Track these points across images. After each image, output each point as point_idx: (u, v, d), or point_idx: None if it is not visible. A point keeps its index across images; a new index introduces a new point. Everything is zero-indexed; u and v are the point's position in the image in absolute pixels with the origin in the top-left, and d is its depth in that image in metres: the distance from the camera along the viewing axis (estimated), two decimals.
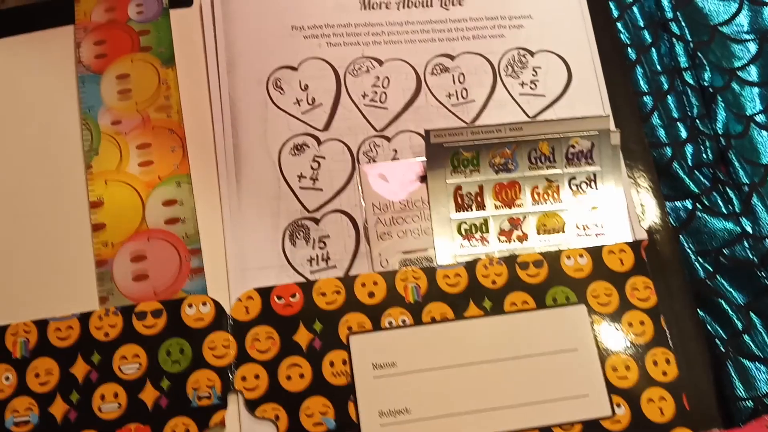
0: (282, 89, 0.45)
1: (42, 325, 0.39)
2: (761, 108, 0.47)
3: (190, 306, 0.39)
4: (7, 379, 0.38)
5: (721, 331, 0.42)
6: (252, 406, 0.38)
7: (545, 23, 0.48)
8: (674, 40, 0.49)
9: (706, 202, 0.45)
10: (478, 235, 0.43)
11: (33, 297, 0.40)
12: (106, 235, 0.41)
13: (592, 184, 0.44)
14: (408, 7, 0.48)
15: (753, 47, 0.49)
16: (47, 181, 0.43)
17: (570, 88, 0.46)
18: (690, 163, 0.46)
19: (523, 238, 0.43)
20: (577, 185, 0.44)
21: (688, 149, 0.47)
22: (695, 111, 0.48)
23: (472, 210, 0.43)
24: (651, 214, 0.44)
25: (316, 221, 0.43)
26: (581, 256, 0.42)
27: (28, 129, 0.44)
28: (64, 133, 0.43)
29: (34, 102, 0.44)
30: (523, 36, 0.47)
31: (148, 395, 0.38)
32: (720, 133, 0.47)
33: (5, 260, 0.41)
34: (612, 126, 0.45)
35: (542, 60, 0.47)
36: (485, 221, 0.43)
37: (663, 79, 0.48)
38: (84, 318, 0.39)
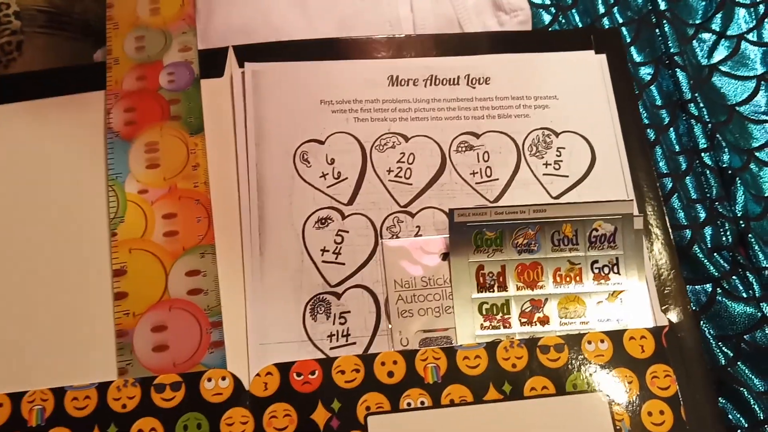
0: (309, 162, 0.45)
1: (59, 393, 0.39)
2: None
3: (209, 380, 0.39)
4: None
5: (742, 420, 0.42)
6: None
7: (570, 104, 0.48)
8: (692, 120, 0.50)
9: (726, 286, 0.45)
10: (499, 316, 0.43)
11: (51, 364, 0.40)
12: (128, 305, 0.41)
13: (615, 268, 0.44)
14: (435, 84, 0.48)
15: None
16: (71, 246, 0.43)
17: (593, 169, 0.47)
18: (709, 246, 0.46)
19: (544, 320, 0.43)
20: (599, 269, 0.44)
21: (707, 231, 0.47)
22: (714, 192, 0.48)
23: (494, 290, 0.43)
24: (672, 299, 0.44)
25: (338, 296, 0.43)
26: (602, 341, 0.42)
27: (53, 192, 0.44)
28: (89, 197, 0.44)
29: (60, 165, 0.45)
30: (548, 116, 0.48)
31: None
32: (739, 215, 0.47)
33: (25, 325, 0.41)
34: (635, 210, 0.45)
35: (566, 141, 0.47)
36: (507, 302, 0.43)
37: (682, 159, 0.49)
38: (102, 388, 0.39)
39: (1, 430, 0.38)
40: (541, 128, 0.48)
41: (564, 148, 0.47)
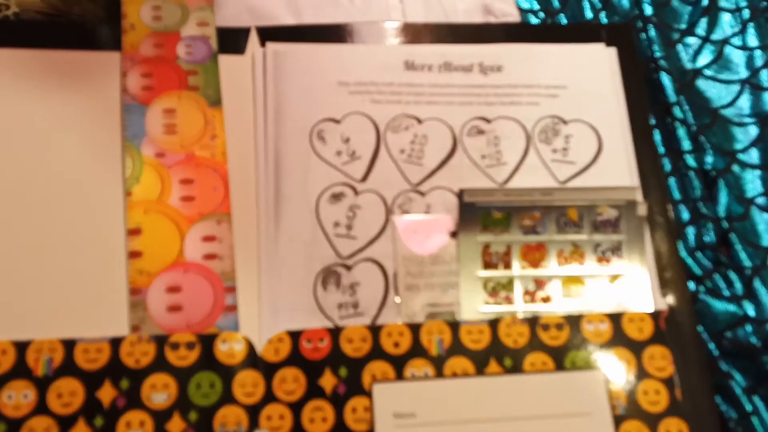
0: (324, 140, 0.47)
1: (69, 344, 0.39)
2: (762, 191, 0.49)
3: (224, 342, 0.40)
4: (25, 396, 0.38)
5: (732, 411, 0.43)
6: None
7: (579, 94, 0.50)
8: (677, 123, 0.51)
9: (708, 285, 0.46)
10: (503, 294, 0.44)
11: (60, 317, 0.40)
12: (143, 264, 0.42)
13: (617, 252, 0.45)
14: (449, 70, 0.50)
15: (754, 130, 0.51)
16: (84, 202, 0.43)
17: (600, 157, 0.48)
18: (692, 245, 0.47)
19: (546, 299, 0.44)
20: (602, 252, 0.45)
21: (690, 231, 0.48)
22: (697, 193, 0.49)
23: (499, 269, 0.45)
24: (672, 285, 0.45)
25: (348, 268, 0.44)
26: (602, 321, 0.43)
27: (66, 147, 0.44)
28: (104, 155, 0.44)
29: (75, 120, 0.45)
30: (557, 105, 0.49)
31: (175, 426, 0.39)
32: (722, 215, 0.48)
33: (35, 277, 0.41)
34: (639, 197, 0.46)
35: (575, 129, 0.49)
36: (511, 280, 0.44)
37: (666, 161, 0.50)
38: (115, 342, 0.40)
39: (5, 378, 0.39)
40: (551, 116, 0.49)
41: (572, 135, 0.49)
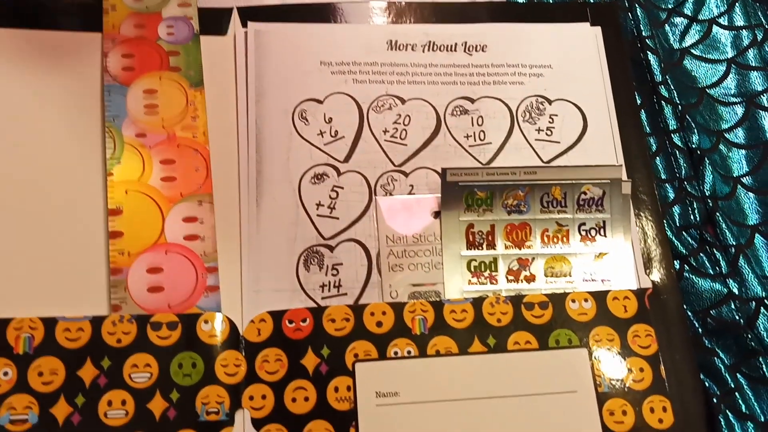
0: (307, 120, 0.47)
1: (50, 323, 0.39)
2: (748, 170, 0.49)
3: (206, 322, 0.40)
4: (5, 374, 0.38)
5: (714, 388, 0.43)
6: (257, 425, 0.39)
7: (564, 73, 0.50)
8: (663, 102, 0.51)
9: (693, 263, 0.46)
10: (486, 273, 0.44)
11: (39, 295, 0.40)
12: (123, 244, 0.42)
13: (601, 231, 0.45)
14: (433, 50, 0.50)
15: (740, 110, 0.51)
16: (63, 181, 0.43)
17: (585, 136, 0.48)
18: (678, 224, 0.47)
19: (530, 278, 0.44)
20: (586, 231, 0.45)
21: (676, 210, 0.48)
22: (683, 172, 0.49)
23: (482, 248, 0.44)
24: (657, 263, 0.45)
25: (331, 248, 0.44)
26: (586, 300, 0.43)
27: (47, 124, 0.44)
28: (85, 136, 0.44)
29: (55, 100, 0.45)
30: (542, 84, 0.49)
31: (157, 405, 0.39)
32: (707, 194, 0.48)
33: (13, 256, 0.41)
34: (624, 176, 0.46)
35: (559, 108, 0.49)
36: (495, 260, 0.44)
37: (652, 140, 0.50)
38: (97, 321, 0.40)
39: None
40: (535, 95, 0.49)
41: (557, 115, 0.48)
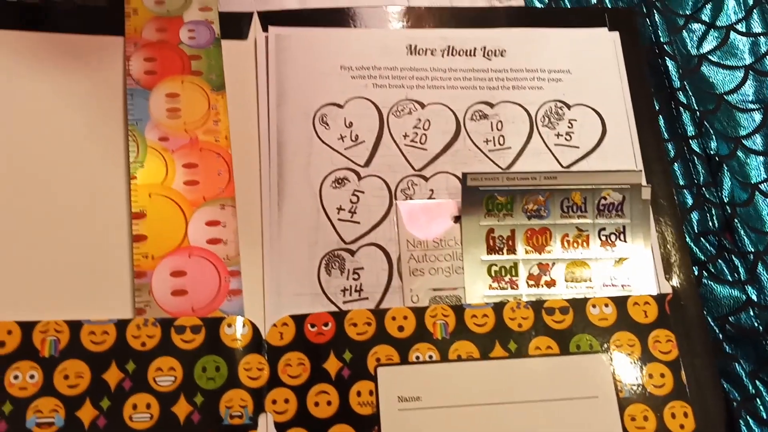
0: (327, 125, 0.47)
1: (75, 326, 0.39)
2: (766, 176, 0.49)
3: (229, 326, 0.40)
4: (31, 377, 0.38)
5: (735, 393, 0.43)
6: (281, 429, 0.39)
7: (583, 78, 0.50)
8: (681, 108, 0.51)
9: (712, 270, 0.46)
10: (507, 278, 0.44)
11: (64, 298, 0.40)
12: (147, 247, 0.42)
13: (621, 236, 0.45)
14: (452, 54, 0.50)
15: (758, 116, 0.51)
16: (88, 183, 0.43)
17: (604, 141, 0.48)
18: (696, 230, 0.47)
19: (550, 283, 0.44)
20: (606, 236, 0.45)
21: (694, 216, 0.48)
22: (701, 179, 0.49)
23: (503, 253, 0.45)
24: (676, 269, 0.45)
25: (352, 253, 0.44)
26: (606, 305, 0.43)
27: (71, 127, 0.44)
28: (108, 139, 0.44)
29: (78, 103, 0.45)
30: (561, 89, 0.49)
31: (181, 409, 0.39)
32: (725, 201, 0.48)
33: (38, 259, 0.41)
34: (643, 181, 0.46)
35: (578, 113, 0.49)
36: (515, 265, 0.44)
37: (670, 146, 0.50)
38: (121, 325, 0.40)
39: (10, 358, 0.38)
40: (554, 100, 0.49)
41: (576, 120, 0.49)
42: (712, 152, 0.50)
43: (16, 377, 0.38)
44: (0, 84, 0.44)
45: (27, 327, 0.39)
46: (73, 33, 0.47)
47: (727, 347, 0.44)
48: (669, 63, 0.52)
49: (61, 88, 0.45)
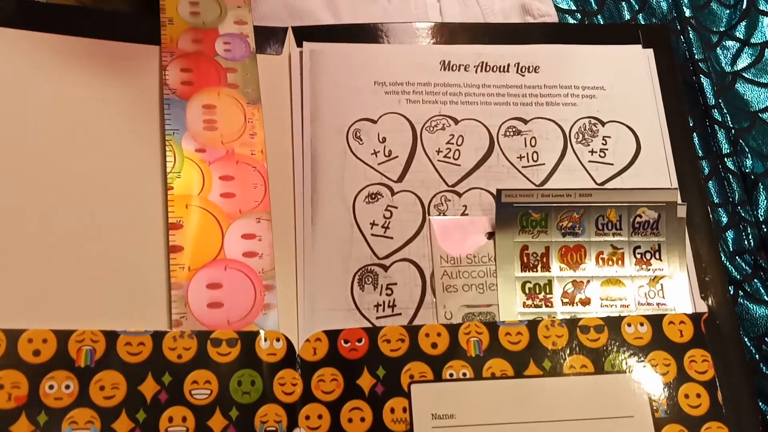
0: (361, 140, 0.47)
1: (111, 336, 0.39)
2: None
3: (265, 340, 0.40)
4: (67, 387, 0.38)
5: None
6: None
7: (617, 95, 0.50)
8: (716, 126, 0.51)
9: (747, 289, 0.46)
10: (541, 296, 0.44)
11: (98, 308, 0.40)
12: (184, 259, 0.41)
13: (656, 254, 0.45)
14: (485, 71, 0.50)
15: None
16: (125, 191, 0.43)
17: (638, 159, 0.48)
18: (731, 249, 0.47)
19: (585, 302, 0.44)
20: (641, 254, 0.45)
21: (729, 235, 0.48)
22: (736, 197, 0.49)
23: (537, 270, 0.44)
24: (712, 288, 0.45)
25: (385, 268, 0.44)
26: (642, 324, 0.43)
27: (107, 134, 0.44)
28: (144, 148, 0.44)
29: (115, 110, 0.45)
30: (594, 106, 0.49)
31: (217, 423, 0.38)
32: (761, 219, 0.48)
33: (74, 266, 0.41)
34: (679, 199, 0.46)
35: (612, 130, 0.49)
36: (549, 282, 0.44)
37: (704, 164, 0.50)
38: (158, 336, 0.39)
39: (46, 367, 0.38)
40: (588, 117, 0.49)
41: (610, 137, 0.48)
42: (747, 170, 0.49)
43: (51, 387, 0.37)
44: (34, 88, 0.44)
45: (63, 336, 0.38)
46: (108, 39, 0.47)
47: (763, 367, 0.44)
48: (703, 80, 0.52)
49: (98, 95, 0.45)
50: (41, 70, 0.45)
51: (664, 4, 0.55)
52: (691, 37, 0.53)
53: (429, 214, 0.45)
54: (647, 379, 0.41)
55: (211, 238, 0.42)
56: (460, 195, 0.46)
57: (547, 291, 0.44)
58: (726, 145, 0.50)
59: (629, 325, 0.43)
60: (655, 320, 0.43)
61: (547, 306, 0.44)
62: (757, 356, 0.44)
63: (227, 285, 0.41)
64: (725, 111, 0.51)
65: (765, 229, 0.47)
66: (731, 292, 0.45)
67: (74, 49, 0.46)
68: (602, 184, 0.47)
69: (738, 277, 0.46)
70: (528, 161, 0.47)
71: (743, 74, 0.52)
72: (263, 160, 0.45)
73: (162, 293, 0.41)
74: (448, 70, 0.49)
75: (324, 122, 0.47)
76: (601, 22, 0.53)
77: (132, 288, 0.41)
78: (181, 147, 0.44)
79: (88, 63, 0.46)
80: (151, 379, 0.38)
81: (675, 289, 0.44)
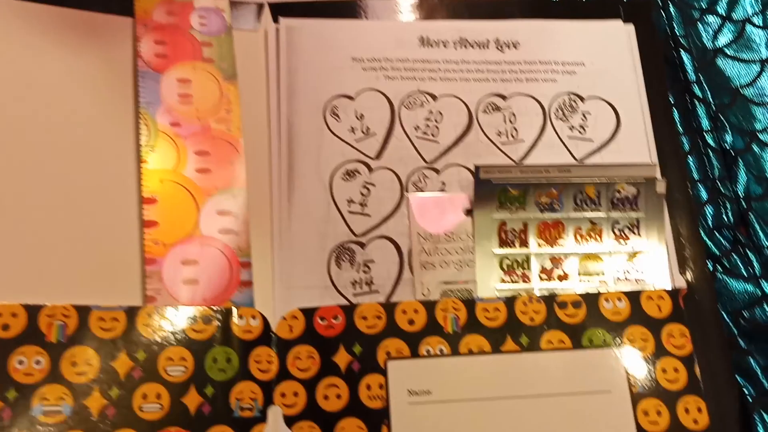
0: (338, 117, 0.46)
1: (84, 311, 0.38)
2: None
3: (240, 317, 0.40)
4: (37, 363, 0.37)
5: (750, 388, 0.43)
6: (289, 422, 0.39)
7: (597, 71, 0.49)
8: (696, 102, 0.50)
9: (726, 264, 0.46)
10: (519, 272, 0.44)
11: (70, 282, 0.39)
12: (158, 234, 0.41)
13: (635, 229, 0.45)
14: (465, 47, 0.49)
15: None
16: (97, 164, 0.42)
17: (618, 134, 0.48)
18: (710, 225, 0.47)
19: (563, 277, 0.44)
20: (619, 230, 0.45)
21: (709, 211, 0.47)
22: (716, 173, 0.49)
23: (515, 246, 0.44)
24: (691, 264, 0.45)
25: (362, 245, 0.44)
26: (620, 299, 0.43)
27: (78, 106, 0.43)
28: (117, 121, 0.43)
29: (86, 81, 0.44)
30: (574, 82, 0.49)
31: (192, 400, 0.38)
32: (740, 195, 0.48)
33: (46, 241, 0.40)
34: (658, 174, 0.45)
35: (592, 106, 0.48)
36: (527, 258, 0.44)
37: (685, 140, 0.49)
38: (131, 312, 0.39)
39: (15, 342, 0.37)
40: (568, 93, 0.49)
41: (589, 113, 0.48)
42: (727, 146, 0.49)
43: (20, 362, 0.37)
44: (1, 58, 0.43)
45: (33, 310, 0.38)
46: (79, 9, 0.45)
47: (741, 342, 0.44)
48: (684, 56, 0.51)
49: (69, 66, 0.44)
50: (9, 40, 0.44)
51: None
52: (672, 12, 0.53)
53: (407, 191, 0.45)
54: (625, 354, 0.41)
55: (187, 214, 0.42)
56: (438, 172, 0.46)
57: (525, 267, 0.44)
58: (706, 121, 0.50)
59: (607, 300, 0.43)
60: (633, 296, 0.43)
61: (524, 282, 0.43)
62: (735, 331, 0.44)
63: (203, 262, 0.41)
64: (706, 87, 0.51)
65: (744, 205, 0.47)
66: (710, 268, 0.45)
67: (45, 17, 0.45)
68: (582, 160, 0.47)
69: (717, 252, 0.46)
70: (507, 137, 0.47)
71: (724, 50, 0.52)
72: (239, 137, 0.44)
73: (136, 269, 0.40)
74: (427, 46, 0.49)
75: (300, 99, 0.46)
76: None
77: (105, 263, 0.40)
78: (156, 120, 0.43)
79: (59, 32, 0.45)
80: (125, 356, 0.38)
81: (653, 264, 0.44)
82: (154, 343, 0.39)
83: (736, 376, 0.43)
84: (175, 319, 0.39)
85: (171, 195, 0.42)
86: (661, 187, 0.44)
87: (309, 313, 0.41)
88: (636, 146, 0.47)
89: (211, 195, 0.42)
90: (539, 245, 0.44)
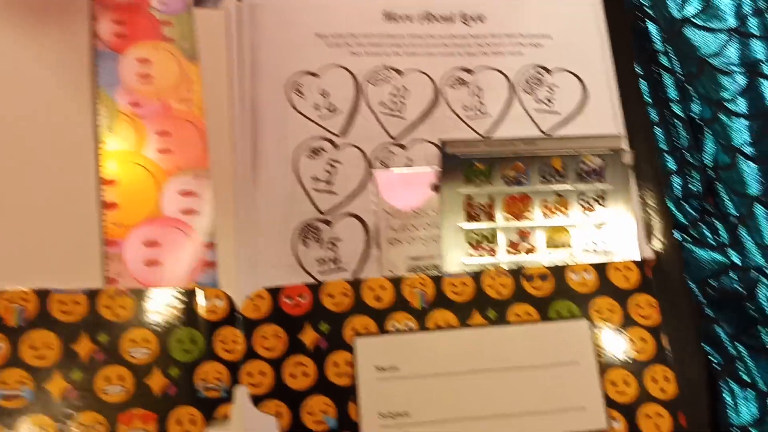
0: (302, 94, 0.46)
1: (43, 294, 0.38)
2: (749, 140, 0.48)
3: (205, 298, 0.40)
4: None
5: (717, 356, 0.43)
6: (256, 401, 0.39)
7: (563, 43, 0.49)
8: (663, 72, 0.50)
9: (693, 234, 0.46)
10: (486, 246, 0.44)
11: (29, 266, 0.39)
12: (119, 216, 0.41)
13: (602, 201, 0.44)
14: (430, 21, 0.49)
15: (741, 79, 0.50)
16: (54, 146, 0.41)
17: (585, 107, 0.47)
18: (678, 195, 0.47)
19: (530, 250, 0.44)
20: (586, 202, 0.44)
21: (676, 180, 0.47)
22: (683, 143, 0.48)
23: (482, 220, 0.44)
24: (659, 234, 0.45)
25: (328, 223, 0.43)
26: (587, 271, 0.43)
27: (34, 86, 0.43)
28: (74, 101, 0.43)
29: (42, 61, 0.43)
30: (541, 54, 0.48)
31: (156, 381, 0.38)
32: (708, 164, 0.48)
33: (3, 223, 0.39)
34: (625, 146, 0.45)
35: (559, 78, 0.48)
36: (494, 232, 0.44)
37: (652, 111, 0.49)
38: (92, 295, 0.39)
39: None
40: (534, 65, 0.48)
41: (556, 85, 0.48)
42: (694, 116, 0.49)
43: None
44: None
45: None
46: None
47: (708, 311, 0.44)
48: (651, 26, 0.51)
49: (26, 47, 0.43)
50: None
51: None
52: None
53: (373, 168, 0.45)
54: (592, 324, 0.41)
55: (148, 195, 0.41)
56: (404, 148, 0.45)
57: (492, 241, 0.44)
58: (673, 91, 0.49)
59: (574, 272, 0.43)
60: (601, 267, 0.43)
61: (491, 256, 0.43)
62: (703, 300, 0.44)
63: (165, 243, 0.41)
64: (673, 57, 0.50)
65: (711, 174, 0.47)
66: (678, 238, 0.45)
67: None
68: (549, 132, 0.46)
69: (684, 222, 0.46)
70: (474, 112, 0.47)
71: (692, 20, 0.52)
72: (201, 116, 0.44)
73: (96, 251, 0.40)
74: (392, 21, 0.49)
75: (264, 76, 0.46)
76: None
77: (64, 245, 0.40)
78: (114, 101, 0.43)
79: (15, 14, 0.44)
80: (86, 338, 0.38)
81: (621, 235, 0.44)
82: (116, 325, 0.38)
83: (703, 344, 0.42)
84: (137, 301, 0.39)
85: (131, 176, 0.41)
86: (627, 158, 0.44)
87: (275, 292, 0.41)
88: (603, 118, 0.47)
89: (174, 175, 0.42)
90: (506, 219, 0.44)
